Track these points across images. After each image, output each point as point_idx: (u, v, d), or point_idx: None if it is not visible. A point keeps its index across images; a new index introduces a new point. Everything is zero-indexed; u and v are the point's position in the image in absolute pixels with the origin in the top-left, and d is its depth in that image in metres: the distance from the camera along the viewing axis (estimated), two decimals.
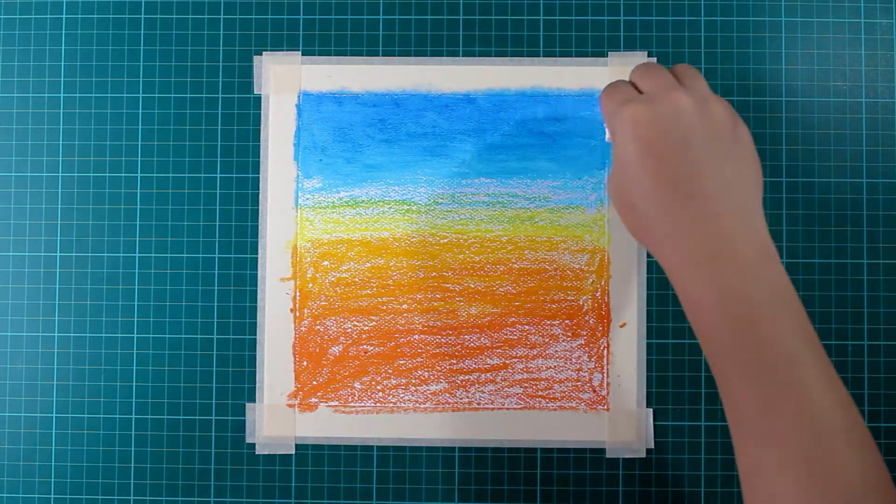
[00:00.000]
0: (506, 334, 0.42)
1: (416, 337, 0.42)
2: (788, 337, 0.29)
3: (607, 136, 0.36)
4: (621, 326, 0.42)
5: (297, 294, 0.42)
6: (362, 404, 0.42)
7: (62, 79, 0.43)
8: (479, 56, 0.43)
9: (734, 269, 0.30)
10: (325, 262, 0.42)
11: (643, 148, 0.31)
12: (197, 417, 0.42)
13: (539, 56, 0.43)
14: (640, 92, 0.33)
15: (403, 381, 0.42)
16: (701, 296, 0.30)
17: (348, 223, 0.42)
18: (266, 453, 0.42)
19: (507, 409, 0.42)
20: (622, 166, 0.32)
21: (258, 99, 0.43)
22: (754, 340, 0.29)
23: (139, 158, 0.43)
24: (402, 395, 0.42)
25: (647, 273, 0.42)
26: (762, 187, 0.33)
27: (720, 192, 0.31)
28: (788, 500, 0.28)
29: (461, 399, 0.42)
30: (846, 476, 0.28)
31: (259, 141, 0.43)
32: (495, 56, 0.43)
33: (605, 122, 0.34)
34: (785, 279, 0.31)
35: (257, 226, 0.42)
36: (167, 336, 0.42)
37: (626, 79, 0.35)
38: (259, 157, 0.43)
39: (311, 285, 0.42)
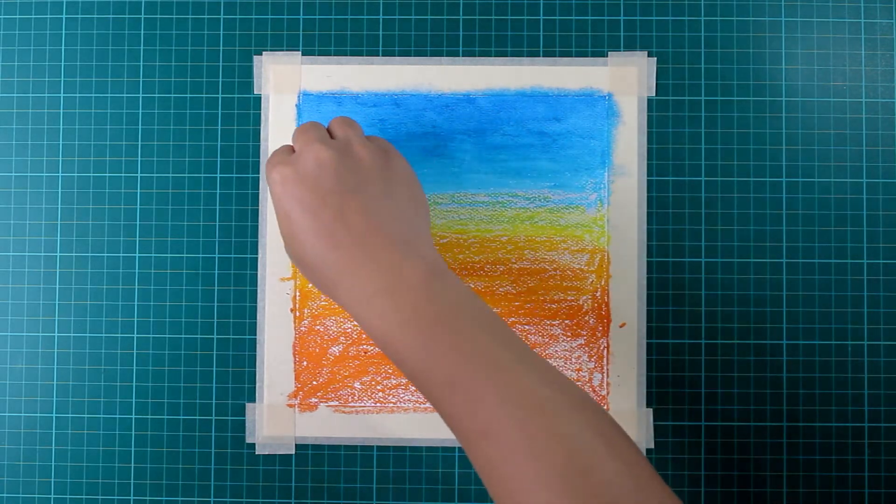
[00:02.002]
0: None
1: None
2: (475, 337, 0.30)
3: None
4: (621, 326, 0.42)
5: (297, 294, 0.42)
6: (362, 404, 0.42)
7: (62, 79, 0.43)
8: (479, 56, 0.43)
9: (403, 293, 0.31)
10: None
11: (295, 205, 0.33)
12: (197, 417, 0.42)
13: (539, 56, 0.43)
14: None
15: (403, 381, 0.42)
16: (384, 327, 0.31)
17: None
18: (266, 453, 0.42)
19: None
20: (284, 226, 0.34)
21: (258, 99, 0.43)
22: (442, 349, 0.30)
23: (139, 158, 0.43)
24: (402, 395, 0.42)
25: (647, 273, 0.42)
26: (426, 211, 0.35)
27: (376, 230, 0.33)
28: (523, 477, 0.28)
29: None
30: (576, 445, 0.28)
31: (259, 141, 0.43)
32: (495, 56, 0.43)
33: (267, 184, 0.35)
34: (461, 288, 0.32)
35: (257, 226, 0.42)
36: (167, 336, 0.42)
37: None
38: (259, 157, 0.43)
39: (311, 285, 0.42)
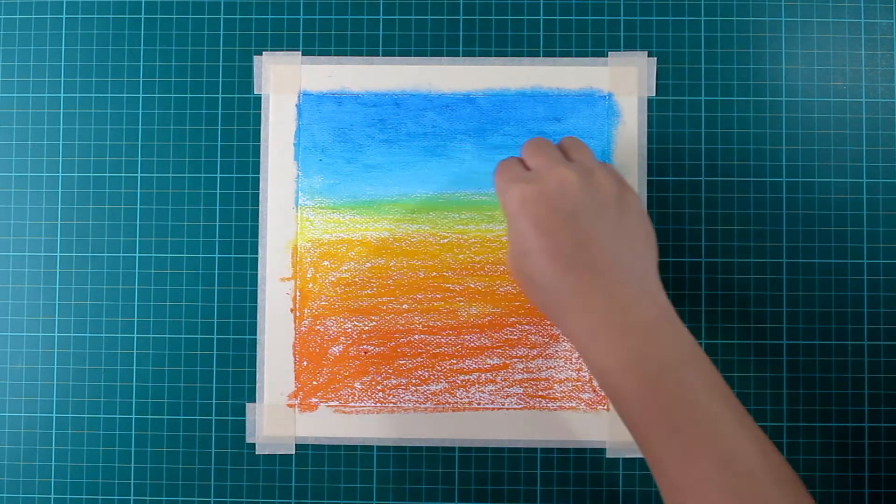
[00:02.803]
0: (506, 334, 0.42)
1: (416, 337, 0.42)
2: (699, 392, 0.30)
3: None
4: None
5: (297, 294, 0.42)
6: (362, 404, 0.42)
7: (62, 79, 0.43)
8: (479, 56, 0.43)
9: (635, 333, 0.31)
10: (326, 262, 0.42)
11: (533, 225, 0.32)
12: (197, 417, 0.42)
13: (539, 56, 0.43)
14: (529, 169, 0.34)
15: (403, 381, 0.42)
16: (607, 363, 0.31)
17: (348, 223, 0.42)
18: (266, 453, 0.42)
19: (507, 409, 0.42)
20: (517, 243, 0.33)
21: (258, 99, 0.43)
22: (666, 401, 0.30)
23: (139, 158, 0.43)
24: (402, 395, 0.42)
25: None
26: (656, 252, 0.34)
27: (612, 261, 0.32)
28: None
29: (461, 399, 0.42)
30: None
31: (259, 141, 0.43)
32: (495, 56, 0.43)
33: (498, 198, 0.34)
34: (688, 337, 0.32)
35: (257, 226, 0.42)
36: (167, 336, 0.42)
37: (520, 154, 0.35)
38: (259, 157, 0.43)
39: (311, 285, 0.42)
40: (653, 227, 0.34)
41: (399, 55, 0.43)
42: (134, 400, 0.42)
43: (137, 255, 0.43)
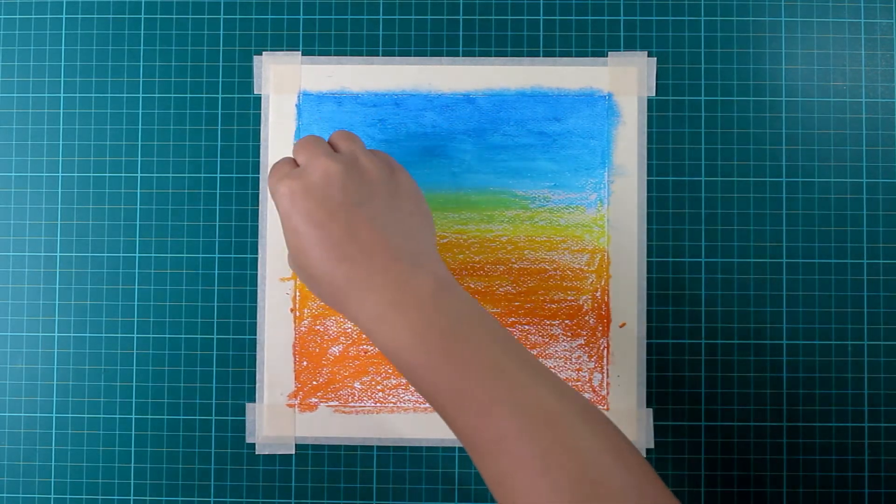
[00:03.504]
0: None
1: None
2: (485, 351, 0.31)
3: None
4: (621, 326, 0.42)
5: (297, 294, 0.42)
6: (362, 404, 0.42)
7: (62, 79, 0.43)
8: (479, 56, 0.43)
9: (414, 306, 0.31)
10: None
11: (304, 219, 0.32)
12: (197, 417, 0.42)
13: (539, 56, 0.43)
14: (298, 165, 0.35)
15: (403, 381, 0.42)
16: (393, 341, 0.31)
17: None
18: (266, 453, 0.42)
19: None
20: (292, 240, 0.33)
21: (258, 99, 0.43)
22: (453, 364, 0.30)
23: (139, 158, 0.43)
24: (402, 395, 0.42)
25: (647, 273, 0.42)
26: (430, 223, 0.35)
27: (385, 243, 0.33)
28: (532, 489, 0.28)
29: None
30: (587, 458, 0.28)
31: (259, 141, 0.43)
32: (495, 56, 0.43)
33: (273, 201, 0.34)
34: (468, 300, 0.32)
35: (257, 226, 0.42)
36: (167, 336, 0.42)
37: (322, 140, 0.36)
38: (259, 157, 0.43)
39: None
40: (425, 202, 0.36)
41: (399, 55, 0.43)
42: (134, 400, 0.42)
43: (137, 255, 0.43)
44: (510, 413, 0.29)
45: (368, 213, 0.33)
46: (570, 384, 0.31)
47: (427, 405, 0.42)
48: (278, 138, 0.42)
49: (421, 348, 0.31)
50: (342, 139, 0.36)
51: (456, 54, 0.43)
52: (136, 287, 0.42)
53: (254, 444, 0.42)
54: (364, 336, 0.42)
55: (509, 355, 0.31)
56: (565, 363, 0.42)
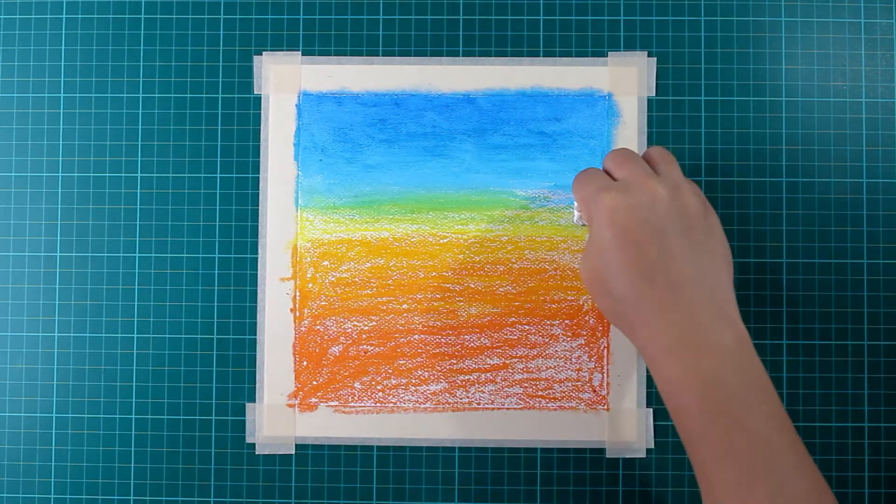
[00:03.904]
0: (506, 334, 0.42)
1: (416, 337, 0.42)
2: (763, 423, 0.30)
3: (574, 217, 0.37)
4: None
5: (297, 294, 0.42)
6: (362, 404, 0.42)
7: (62, 79, 0.43)
8: (479, 56, 0.43)
9: (709, 355, 0.31)
10: (325, 262, 0.42)
11: (620, 235, 0.32)
12: (197, 417, 0.42)
13: (539, 56, 0.43)
14: (614, 179, 0.34)
15: (403, 381, 0.42)
16: (676, 381, 0.31)
17: (348, 223, 0.42)
18: (266, 453, 0.42)
19: (507, 409, 0.42)
20: (598, 252, 0.33)
21: (258, 99, 0.43)
22: (730, 425, 0.30)
23: (139, 158, 0.43)
24: (402, 395, 0.42)
25: None
26: (732, 276, 0.34)
27: (693, 281, 0.32)
28: None
29: (461, 399, 0.42)
30: None
31: (259, 141, 0.43)
32: (495, 56, 0.43)
33: (580, 206, 0.34)
34: (759, 367, 0.32)
35: (257, 226, 0.42)
36: (167, 336, 0.42)
37: (600, 165, 0.36)
38: (259, 157, 0.43)
39: (311, 285, 0.42)
40: (730, 252, 0.34)
41: (399, 55, 0.43)
42: (134, 400, 0.42)
43: (137, 255, 0.43)
44: (766, 494, 0.29)
45: (683, 246, 0.32)
46: (824, 482, 0.31)
47: (426, 405, 0.42)
48: (278, 138, 0.42)
49: (701, 396, 0.30)
50: (662, 161, 0.35)
51: (456, 54, 0.43)
52: (136, 287, 0.42)
53: (254, 444, 0.42)
54: (364, 336, 0.42)
55: (782, 434, 0.30)
56: (565, 363, 0.42)
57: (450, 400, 0.42)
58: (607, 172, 0.35)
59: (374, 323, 0.42)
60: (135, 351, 0.42)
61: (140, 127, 0.43)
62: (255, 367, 0.42)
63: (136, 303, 0.42)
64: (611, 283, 0.33)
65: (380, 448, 0.42)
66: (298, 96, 0.43)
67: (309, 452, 0.42)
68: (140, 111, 0.43)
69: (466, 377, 0.42)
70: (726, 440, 0.30)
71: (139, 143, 0.43)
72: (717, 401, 0.30)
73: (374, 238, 0.42)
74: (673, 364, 0.31)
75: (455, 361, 0.42)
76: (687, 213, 0.33)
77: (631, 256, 0.32)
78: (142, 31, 0.43)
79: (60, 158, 0.43)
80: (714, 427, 0.30)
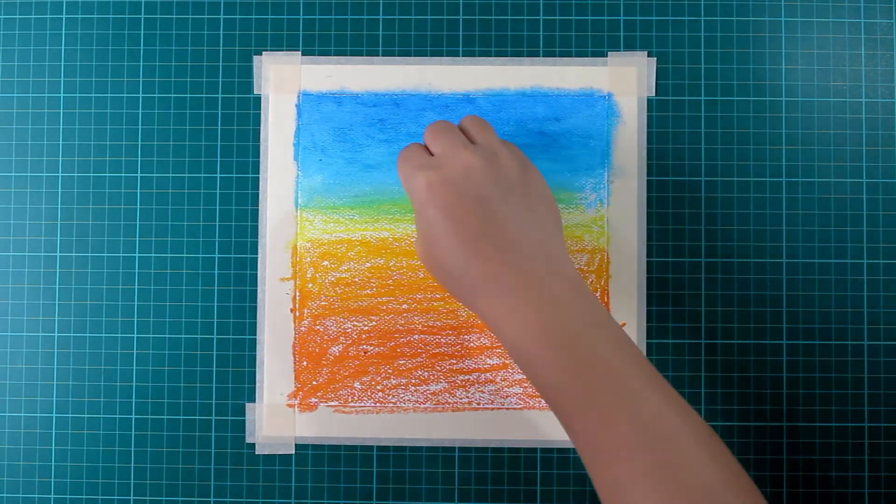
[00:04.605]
0: None
1: (416, 337, 0.42)
2: (612, 358, 0.31)
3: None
4: (621, 326, 0.42)
5: (297, 294, 0.42)
6: (362, 404, 0.42)
7: (62, 79, 0.43)
8: (479, 56, 0.43)
9: (547, 308, 0.31)
10: (325, 262, 0.42)
11: (440, 211, 0.32)
12: (197, 417, 0.42)
13: (539, 56, 0.43)
14: (432, 154, 0.34)
15: (403, 381, 0.42)
16: (522, 339, 0.31)
17: (348, 223, 0.42)
18: (266, 453, 0.42)
19: (507, 409, 0.42)
20: (424, 230, 0.33)
21: (258, 99, 0.43)
22: (580, 369, 0.30)
23: (139, 158, 0.43)
24: (402, 395, 0.42)
25: (647, 273, 0.42)
26: (560, 226, 0.35)
27: (520, 241, 0.32)
28: None
29: (461, 399, 0.42)
30: (700, 475, 0.29)
31: (259, 141, 0.43)
32: (495, 56, 0.43)
33: (403, 186, 0.34)
34: (599, 307, 0.32)
35: (257, 226, 0.42)
36: (167, 336, 0.42)
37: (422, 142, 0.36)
38: (259, 157, 0.43)
39: (311, 285, 0.42)
40: (556, 203, 0.35)
41: (399, 55, 0.43)
42: (134, 400, 0.42)
43: (137, 255, 0.43)
44: (630, 423, 0.29)
45: (505, 210, 0.33)
46: (689, 405, 0.31)
47: (426, 405, 0.42)
48: (278, 138, 0.42)
49: (549, 351, 0.31)
50: (477, 128, 0.35)
51: (456, 54, 0.43)
52: (136, 287, 0.42)
53: (254, 444, 0.42)
54: (364, 336, 0.42)
55: (634, 366, 0.31)
56: None
57: (450, 400, 0.42)
58: (427, 148, 0.35)
59: (374, 323, 0.42)
60: (135, 351, 0.42)
61: (140, 127, 0.43)
62: (254, 367, 0.42)
63: (136, 303, 0.42)
64: (443, 260, 0.33)
65: (380, 448, 0.42)
66: (298, 96, 0.43)
67: (309, 452, 0.42)
68: (140, 111, 0.43)
69: (466, 377, 0.42)
70: (580, 382, 0.30)
71: (139, 143, 0.43)
72: (561, 348, 0.31)
73: (374, 238, 0.42)
74: (515, 325, 0.31)
75: (455, 361, 0.42)
76: (504, 176, 0.33)
77: (455, 230, 0.32)
78: (142, 31, 0.43)
79: (60, 158, 0.43)
80: (566, 374, 0.30)
